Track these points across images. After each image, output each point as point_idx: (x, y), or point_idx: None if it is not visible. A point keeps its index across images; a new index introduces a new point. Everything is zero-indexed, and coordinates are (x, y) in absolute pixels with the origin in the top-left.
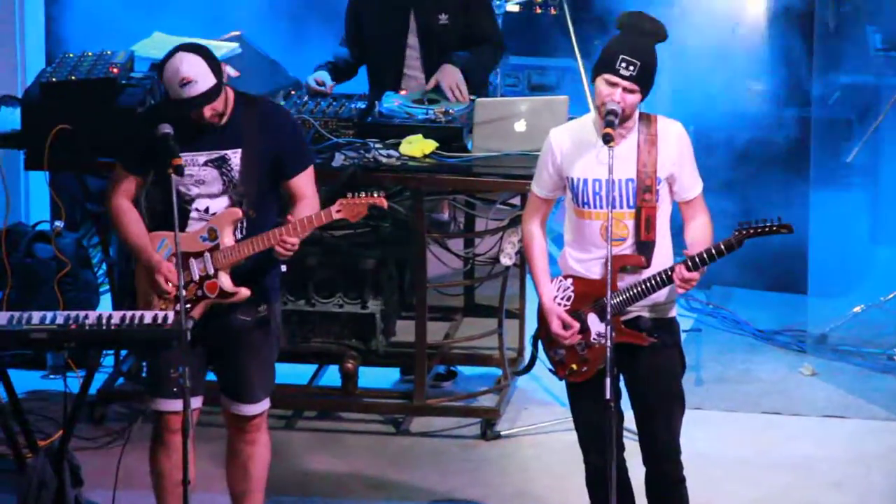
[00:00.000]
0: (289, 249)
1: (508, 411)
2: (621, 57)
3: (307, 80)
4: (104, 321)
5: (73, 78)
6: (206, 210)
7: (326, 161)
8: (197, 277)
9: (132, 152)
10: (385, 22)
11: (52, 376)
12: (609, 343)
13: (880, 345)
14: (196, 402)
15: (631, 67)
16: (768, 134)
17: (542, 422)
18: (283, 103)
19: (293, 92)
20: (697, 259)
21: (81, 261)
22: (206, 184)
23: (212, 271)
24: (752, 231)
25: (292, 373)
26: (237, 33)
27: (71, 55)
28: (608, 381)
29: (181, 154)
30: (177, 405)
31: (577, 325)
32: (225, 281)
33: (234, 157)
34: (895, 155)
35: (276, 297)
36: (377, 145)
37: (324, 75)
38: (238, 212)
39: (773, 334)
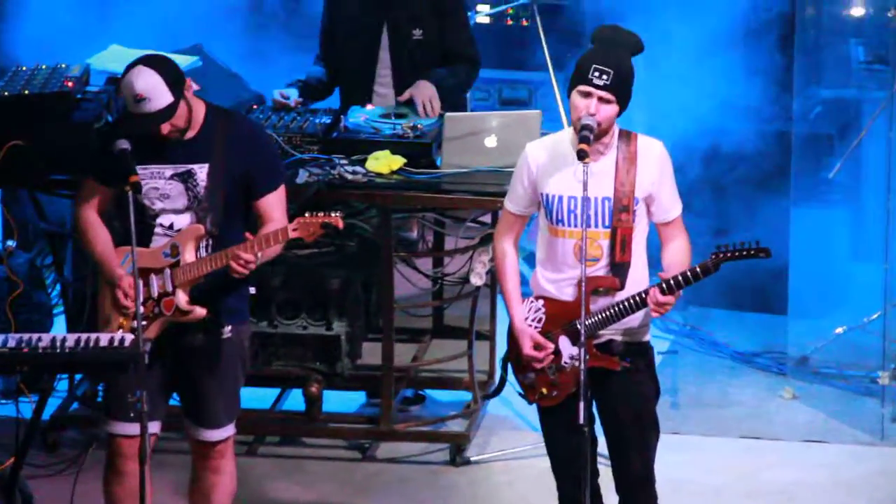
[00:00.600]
0: (243, 266)
1: (478, 436)
2: (594, 66)
3: (273, 94)
4: (58, 344)
5: (26, 92)
6: (171, 226)
7: (290, 178)
8: (156, 294)
9: (100, 163)
10: (357, 36)
11: (3, 401)
12: (583, 366)
13: (863, 367)
14: (153, 428)
15: (605, 76)
16: (747, 149)
17: (513, 447)
18: (240, 112)
19: (255, 106)
20: (672, 282)
21: (34, 281)
22: (170, 198)
23: (170, 288)
24: (729, 254)
25: (254, 397)
26: (197, 45)
27: (24, 68)
28: (581, 404)
29: (147, 166)
30: (131, 429)
31: (550, 346)
32: (181, 298)
33: (201, 171)
34: (878, 171)
35: (242, 319)
36: (343, 161)
37: (290, 92)
38: (201, 228)
39: (752, 356)
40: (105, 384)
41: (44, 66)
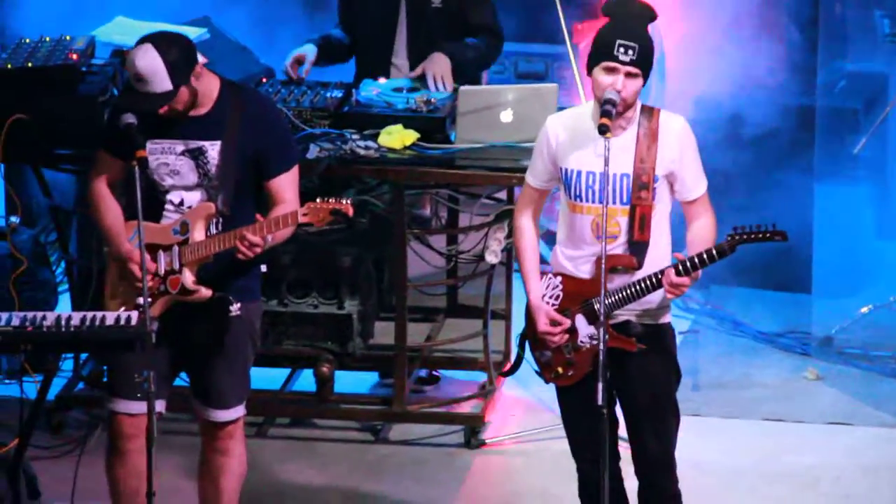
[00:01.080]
0: (248, 248)
1: (494, 418)
2: (619, 42)
3: (287, 56)
4: (63, 322)
5: (29, 65)
6: (181, 203)
7: (300, 153)
8: (162, 271)
9: (113, 136)
10: (375, 4)
11: (6, 381)
12: (602, 346)
13: (889, 347)
14: (158, 406)
15: (630, 52)
16: (770, 124)
17: (529, 429)
18: (257, 89)
19: (264, 80)
20: (689, 264)
21: (39, 258)
22: (180, 174)
23: (177, 266)
24: (745, 236)
25: (264, 377)
26: (205, 17)
27: (27, 40)
28: (600, 385)
29: (158, 141)
30: (135, 407)
31: (566, 322)
32: (187, 277)
33: (212, 149)
34: None
35: (253, 297)
36: (354, 136)
37: (308, 48)
38: (211, 207)
39: (775, 336)
40: (110, 363)
41: (48, 39)
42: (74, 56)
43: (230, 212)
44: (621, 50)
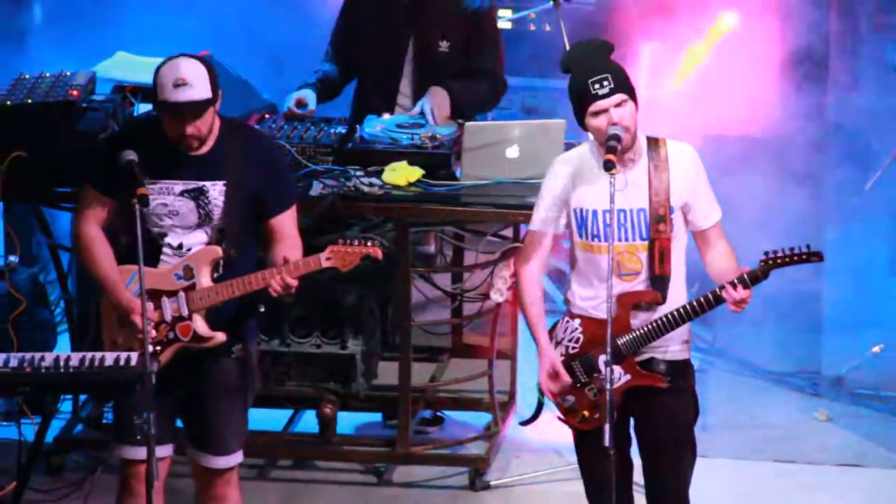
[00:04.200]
0: (284, 290)
1: (499, 460)
2: (590, 81)
3: (287, 99)
4: (62, 363)
5: (29, 101)
6: (180, 246)
7: (304, 189)
8: (169, 318)
9: (105, 172)
10: (383, 44)
11: (4, 423)
12: (609, 386)
13: None
14: (165, 451)
15: (605, 83)
16: (782, 160)
17: (535, 471)
18: (256, 127)
19: (267, 116)
20: (747, 277)
21: (38, 298)
22: (179, 215)
23: (186, 312)
24: (779, 260)
25: (266, 418)
26: (206, 53)
27: (27, 76)
28: (607, 427)
29: (156, 181)
30: (142, 453)
31: (566, 380)
32: (200, 325)
33: (213, 189)
34: None
35: (252, 338)
36: (358, 173)
37: (308, 94)
38: (218, 250)
39: (785, 376)
40: (115, 408)
41: (48, 75)
42: (75, 92)
43: (236, 254)
44: (595, 87)
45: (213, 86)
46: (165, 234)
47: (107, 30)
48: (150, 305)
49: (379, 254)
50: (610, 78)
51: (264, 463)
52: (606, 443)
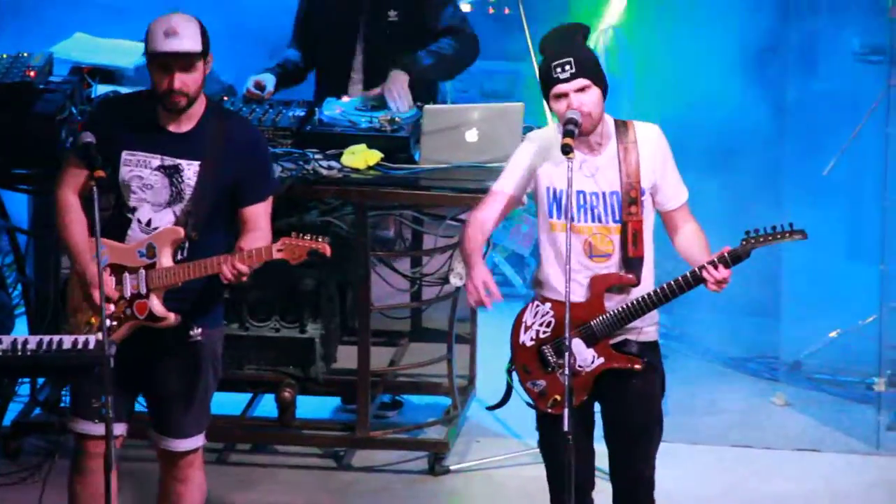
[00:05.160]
0: (235, 277)
1: (458, 444)
2: (553, 65)
3: (247, 82)
4: (20, 346)
5: None
6: (149, 223)
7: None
8: (129, 294)
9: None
10: (334, 23)
11: None
12: (567, 371)
13: (858, 372)
14: (119, 429)
15: (567, 66)
16: (739, 145)
17: (495, 456)
18: (245, 116)
19: (225, 98)
20: (728, 256)
21: None
22: (153, 190)
23: (144, 291)
24: (761, 239)
25: (225, 402)
26: None
27: None
28: (566, 412)
29: (135, 152)
30: (97, 429)
31: (497, 296)
32: (156, 304)
33: (189, 168)
34: (874, 166)
35: (216, 323)
36: (317, 156)
37: (267, 77)
38: (181, 231)
39: (743, 361)
40: (72, 382)
41: (4, 56)
42: (32, 73)
43: (199, 238)
44: (557, 70)
45: (203, 41)
46: (136, 209)
47: (64, 11)
48: (112, 280)
49: (327, 250)
50: (573, 62)
51: (223, 447)
52: (565, 427)
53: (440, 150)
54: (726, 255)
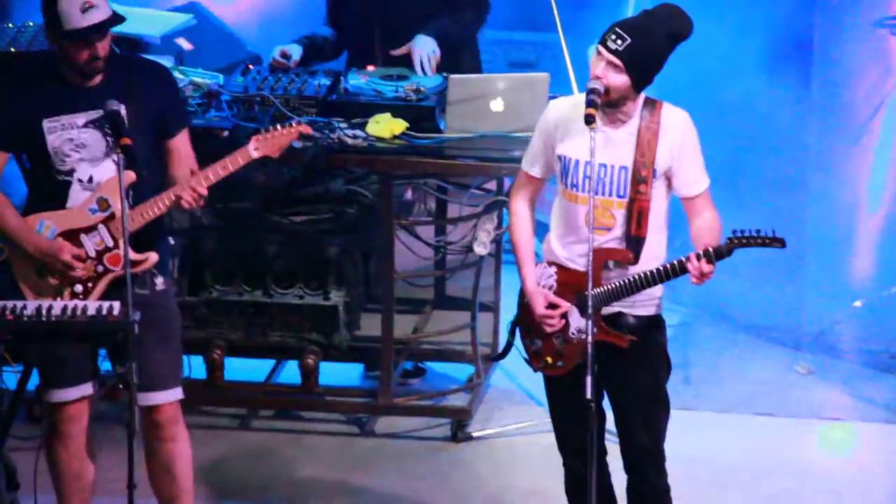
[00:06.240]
0: (197, 200)
1: (481, 411)
2: (614, 28)
3: (273, 51)
4: (44, 312)
5: None
6: (90, 179)
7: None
8: (93, 253)
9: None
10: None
11: None
12: (590, 339)
13: (882, 342)
14: (88, 389)
15: (619, 41)
16: (764, 114)
17: (517, 423)
18: (240, 79)
19: (251, 66)
20: (713, 252)
21: None
22: (87, 147)
23: (111, 243)
24: (744, 240)
25: (248, 369)
26: (192, 3)
27: None
28: (589, 379)
29: (58, 118)
30: (70, 394)
31: (565, 306)
32: (130, 250)
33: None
34: None
35: (168, 272)
36: (342, 125)
37: (294, 48)
38: (132, 174)
39: (767, 330)
40: (41, 354)
41: (30, 24)
42: None
43: (148, 174)
44: (612, 37)
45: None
46: (73, 170)
47: None
48: (68, 245)
49: (309, 129)
50: (627, 43)
51: (247, 413)
52: (588, 395)
53: (465, 120)
54: (710, 250)
